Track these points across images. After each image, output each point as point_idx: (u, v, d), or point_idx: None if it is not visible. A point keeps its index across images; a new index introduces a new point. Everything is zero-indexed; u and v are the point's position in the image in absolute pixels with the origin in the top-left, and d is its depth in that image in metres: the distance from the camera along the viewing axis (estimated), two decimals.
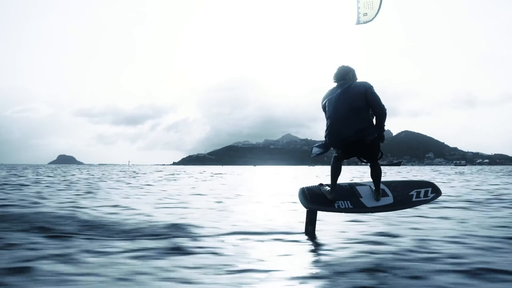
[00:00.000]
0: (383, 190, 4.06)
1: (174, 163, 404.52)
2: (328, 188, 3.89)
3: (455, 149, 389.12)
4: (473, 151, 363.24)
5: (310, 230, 3.88)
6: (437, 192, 4.11)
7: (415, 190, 4.11)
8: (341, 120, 3.61)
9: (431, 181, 4.33)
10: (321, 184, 4.04)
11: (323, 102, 3.86)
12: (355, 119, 3.56)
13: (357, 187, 4.10)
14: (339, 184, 4.01)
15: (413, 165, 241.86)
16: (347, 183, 4.19)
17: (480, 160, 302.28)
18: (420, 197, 4.04)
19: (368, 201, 3.93)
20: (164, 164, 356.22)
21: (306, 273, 2.57)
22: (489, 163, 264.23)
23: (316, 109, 4.06)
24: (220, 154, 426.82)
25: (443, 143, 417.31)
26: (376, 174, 3.88)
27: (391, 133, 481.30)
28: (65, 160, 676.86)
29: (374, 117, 3.71)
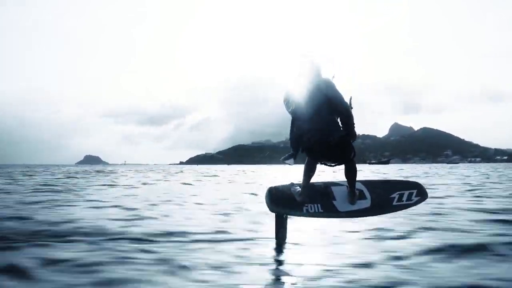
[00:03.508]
0: (361, 191, 3.74)
1: (181, 163, 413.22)
2: (299, 189, 3.64)
3: (476, 145, 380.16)
4: (502, 147, 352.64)
5: (281, 238, 3.57)
6: (422, 195, 3.81)
7: (397, 193, 3.79)
8: (304, 121, 3.38)
9: (418, 182, 4.03)
10: (292, 184, 3.77)
11: (286, 101, 3.54)
12: (317, 119, 3.32)
13: (333, 187, 3.77)
14: (313, 183, 3.73)
15: (423, 163, 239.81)
16: (323, 182, 3.87)
17: (499, 157, 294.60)
18: (402, 201, 3.74)
19: (341, 205, 3.63)
20: (171, 164, 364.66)
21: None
22: (508, 160, 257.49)
23: None
24: (227, 153, 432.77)
25: (463, 139, 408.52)
26: (350, 173, 3.56)
27: (413, 129, 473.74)
28: (91, 160, 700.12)
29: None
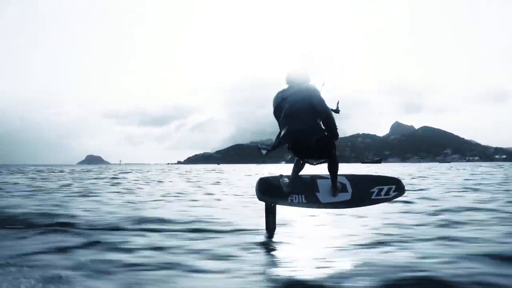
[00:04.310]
0: (343, 184, 4.05)
1: (179, 162, 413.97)
2: (287, 180, 3.96)
3: (476, 144, 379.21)
4: (504, 146, 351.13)
5: (270, 225, 3.95)
6: (400, 190, 4.09)
7: (377, 187, 4.06)
8: (288, 120, 3.70)
9: (398, 178, 4.27)
10: (281, 175, 4.06)
11: (274, 104, 3.88)
12: (300, 119, 3.62)
13: (318, 180, 4.07)
14: (301, 176, 4.03)
15: (420, 162, 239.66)
16: (310, 175, 4.13)
17: (498, 156, 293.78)
18: (381, 195, 4.03)
19: (323, 197, 3.93)
20: (169, 163, 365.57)
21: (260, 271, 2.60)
22: (506, 159, 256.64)
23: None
24: (226, 152, 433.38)
25: (463, 138, 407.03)
26: (332, 167, 3.86)
27: (414, 128, 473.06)
28: (92, 160, 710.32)
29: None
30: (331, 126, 3.69)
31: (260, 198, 3.88)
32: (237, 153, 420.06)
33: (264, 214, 4.02)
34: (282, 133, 3.73)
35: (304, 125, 3.62)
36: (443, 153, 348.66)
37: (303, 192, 3.91)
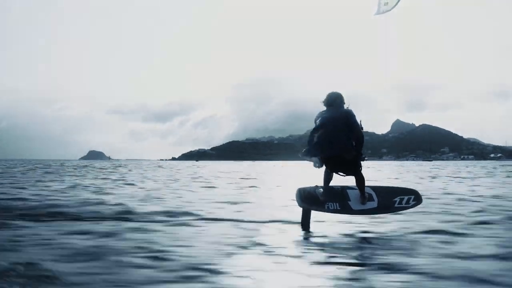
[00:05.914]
0: (370, 194, 4.71)
1: (173, 158, 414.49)
2: (322, 190, 4.61)
3: (474, 143, 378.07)
4: (507, 145, 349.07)
5: (305, 224, 4.61)
6: (418, 200, 4.80)
7: (399, 197, 4.75)
8: (327, 138, 4.35)
9: (415, 189, 4.98)
10: (316, 186, 4.70)
11: (316, 120, 4.60)
12: (338, 138, 4.30)
13: (348, 190, 4.76)
14: (332, 187, 4.73)
15: (414, 160, 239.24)
16: (340, 186, 4.81)
17: (493, 154, 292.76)
18: (402, 204, 4.73)
19: (354, 204, 4.61)
20: (162, 159, 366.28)
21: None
22: (501, 158, 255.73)
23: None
24: (222, 149, 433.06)
25: (462, 137, 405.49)
26: (359, 182, 4.60)
27: (415, 126, 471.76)
28: (94, 155, 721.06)
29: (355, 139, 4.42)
30: (360, 146, 4.46)
31: (300, 205, 4.56)
32: (232, 150, 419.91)
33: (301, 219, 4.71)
34: (316, 142, 4.43)
35: (340, 142, 4.33)
36: (440, 152, 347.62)
37: (337, 201, 4.58)
